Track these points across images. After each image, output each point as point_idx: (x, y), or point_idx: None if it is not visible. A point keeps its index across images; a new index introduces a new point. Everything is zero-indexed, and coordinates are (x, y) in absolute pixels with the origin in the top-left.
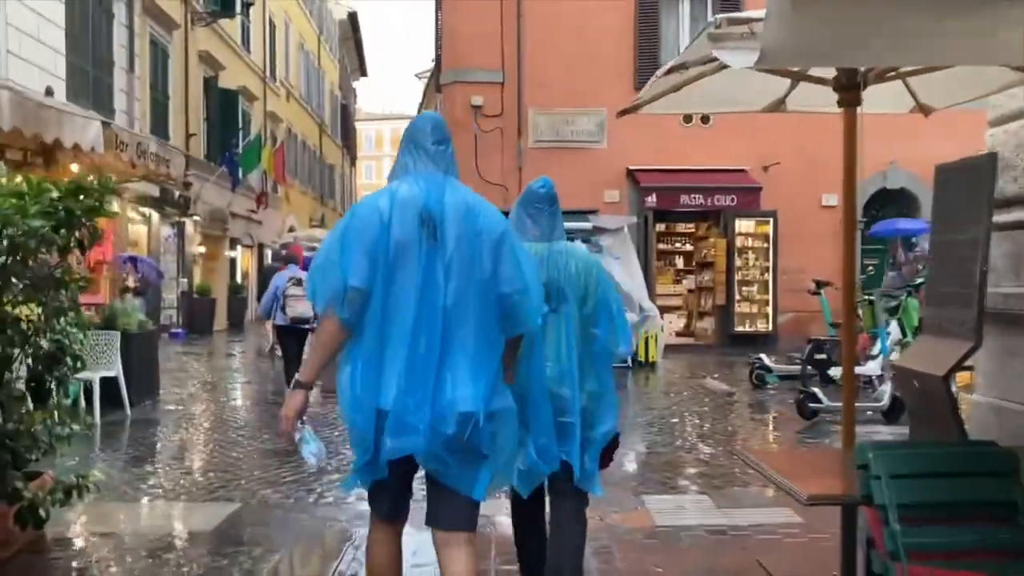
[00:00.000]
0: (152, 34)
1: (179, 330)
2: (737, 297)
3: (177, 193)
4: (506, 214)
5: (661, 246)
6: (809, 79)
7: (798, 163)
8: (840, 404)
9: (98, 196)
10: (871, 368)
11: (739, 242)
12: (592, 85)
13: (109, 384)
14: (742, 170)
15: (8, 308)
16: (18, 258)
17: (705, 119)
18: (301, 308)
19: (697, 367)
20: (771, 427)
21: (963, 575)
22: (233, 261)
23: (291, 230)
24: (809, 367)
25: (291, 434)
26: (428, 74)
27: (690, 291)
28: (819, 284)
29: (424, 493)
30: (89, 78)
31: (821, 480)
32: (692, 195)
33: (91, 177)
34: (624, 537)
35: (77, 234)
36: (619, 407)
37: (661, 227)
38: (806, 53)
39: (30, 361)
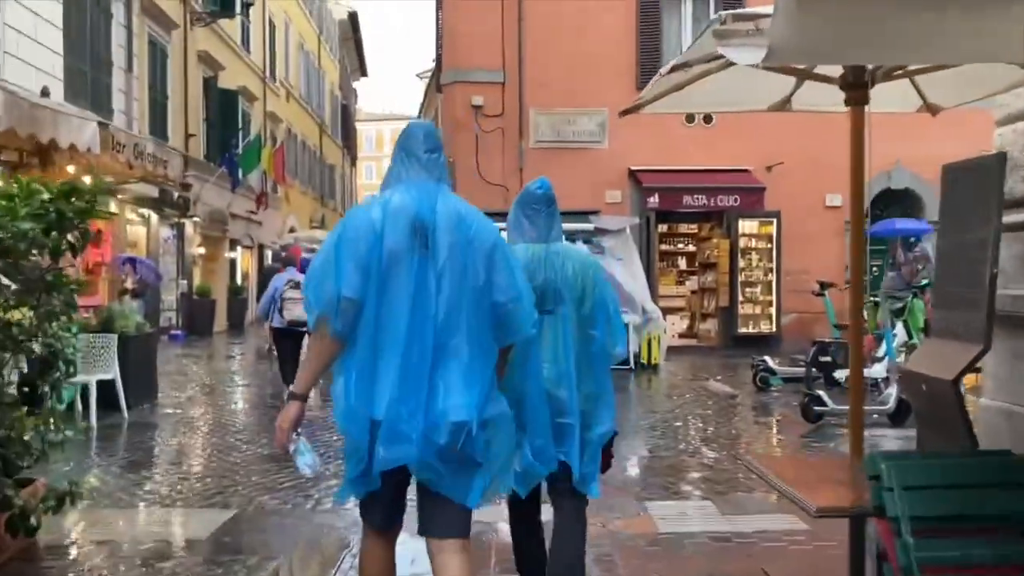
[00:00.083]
0: (151, 34)
1: (179, 332)
2: (740, 298)
3: (176, 194)
4: (507, 215)
5: (663, 247)
6: (815, 77)
7: (801, 163)
8: (845, 407)
9: (90, 198)
10: (877, 371)
11: (742, 243)
12: (593, 85)
13: (106, 387)
14: (745, 170)
15: None
16: (8, 261)
17: (708, 119)
18: (299, 311)
19: (700, 369)
20: (775, 430)
21: None
22: (233, 262)
23: (291, 231)
24: (813, 369)
25: (287, 445)
26: (429, 74)
27: (693, 292)
28: (823, 285)
29: (415, 501)
30: (87, 78)
31: (830, 490)
32: (695, 195)
33: (87, 177)
34: (627, 544)
35: (70, 237)
36: (617, 408)
37: (663, 228)
38: (814, 50)
39: (22, 366)
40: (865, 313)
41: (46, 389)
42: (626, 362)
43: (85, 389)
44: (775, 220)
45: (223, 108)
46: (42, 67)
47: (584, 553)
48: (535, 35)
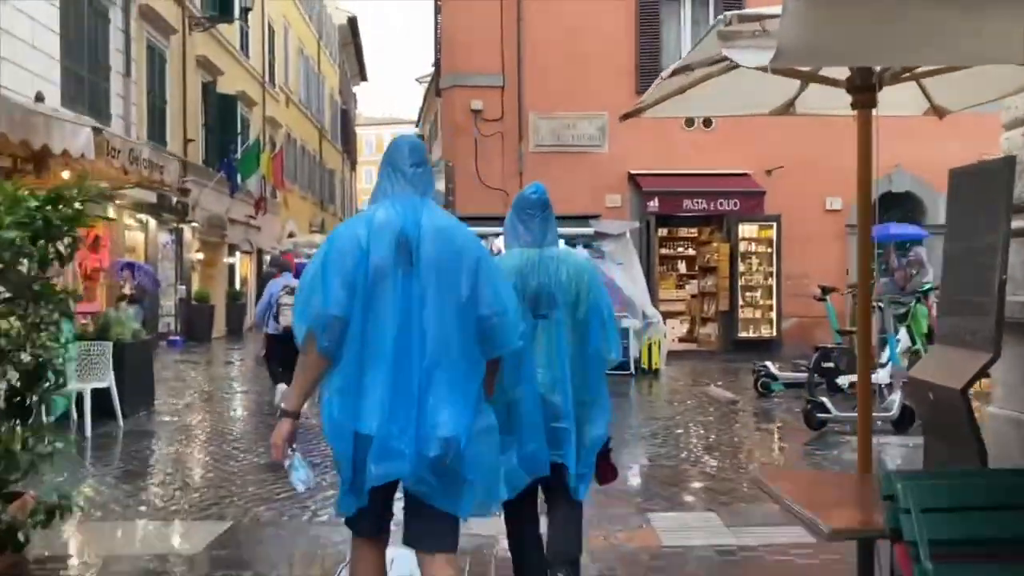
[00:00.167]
0: (149, 39)
1: (177, 338)
2: (740, 302)
3: (175, 199)
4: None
5: (663, 251)
6: (821, 80)
7: (801, 167)
8: (849, 414)
9: (78, 205)
10: (880, 376)
11: (742, 247)
12: (593, 89)
13: (102, 395)
14: (745, 174)
15: None
16: None
17: (707, 122)
18: None
19: (701, 374)
20: (778, 438)
21: None
22: (232, 267)
23: (291, 235)
24: (816, 375)
25: (283, 460)
26: (428, 78)
27: (693, 296)
28: (825, 290)
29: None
30: (85, 83)
31: (842, 510)
32: (695, 199)
33: (78, 183)
34: (629, 558)
35: (59, 245)
36: (617, 415)
37: (663, 232)
38: (824, 52)
39: (10, 377)
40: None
41: (34, 400)
42: (626, 367)
43: (80, 398)
44: (775, 224)
45: (222, 113)
46: (39, 72)
47: (580, 555)
48: (534, 39)
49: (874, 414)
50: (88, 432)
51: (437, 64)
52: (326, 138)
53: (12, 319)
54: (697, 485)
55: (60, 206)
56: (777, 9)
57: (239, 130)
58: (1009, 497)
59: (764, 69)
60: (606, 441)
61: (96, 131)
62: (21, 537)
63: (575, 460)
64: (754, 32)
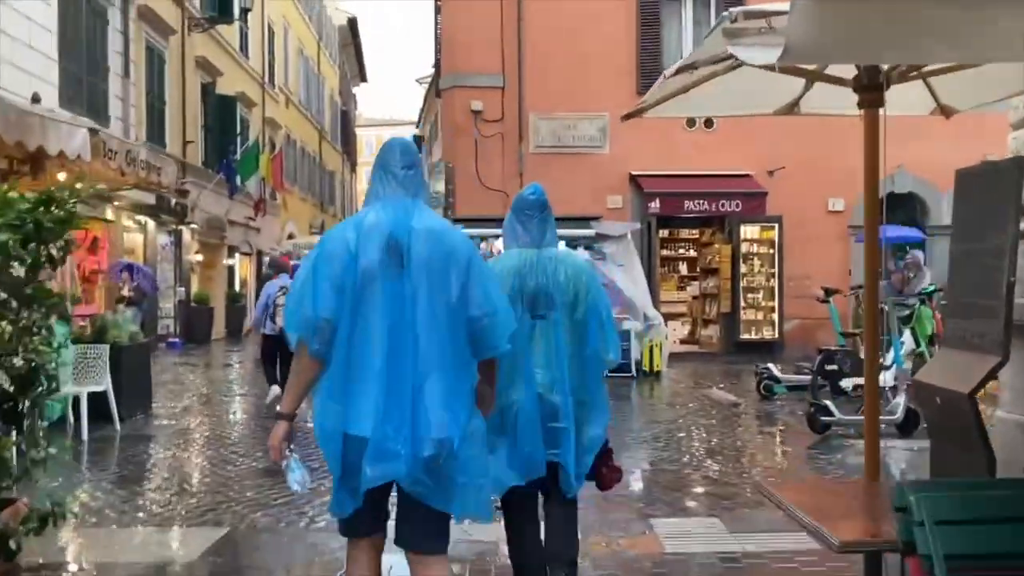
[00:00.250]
0: (148, 40)
1: (176, 340)
2: (742, 304)
3: (173, 201)
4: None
5: (665, 252)
6: (827, 79)
7: (803, 168)
8: (853, 418)
9: (70, 207)
10: (885, 379)
11: (744, 248)
12: (594, 89)
13: (99, 399)
14: (747, 175)
15: None
16: None
17: (709, 123)
18: None
19: (702, 376)
20: (782, 442)
21: None
22: (231, 269)
23: (290, 237)
24: (820, 378)
25: (281, 461)
26: (429, 79)
27: (694, 298)
28: (828, 292)
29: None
30: (83, 85)
31: (852, 521)
32: (696, 200)
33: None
34: (632, 565)
35: (53, 249)
36: (618, 418)
37: (665, 233)
38: (832, 49)
39: (1, 382)
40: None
41: (27, 406)
42: (627, 369)
43: (76, 401)
44: (777, 225)
45: (221, 114)
46: (37, 73)
47: (577, 555)
48: (535, 39)
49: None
50: (84, 436)
51: (437, 65)
52: (326, 139)
53: (3, 323)
54: (700, 490)
55: (52, 208)
56: (784, 6)
57: (238, 131)
58: None
59: (771, 68)
60: (605, 443)
61: (92, 132)
62: (13, 545)
63: (573, 460)
64: (760, 29)
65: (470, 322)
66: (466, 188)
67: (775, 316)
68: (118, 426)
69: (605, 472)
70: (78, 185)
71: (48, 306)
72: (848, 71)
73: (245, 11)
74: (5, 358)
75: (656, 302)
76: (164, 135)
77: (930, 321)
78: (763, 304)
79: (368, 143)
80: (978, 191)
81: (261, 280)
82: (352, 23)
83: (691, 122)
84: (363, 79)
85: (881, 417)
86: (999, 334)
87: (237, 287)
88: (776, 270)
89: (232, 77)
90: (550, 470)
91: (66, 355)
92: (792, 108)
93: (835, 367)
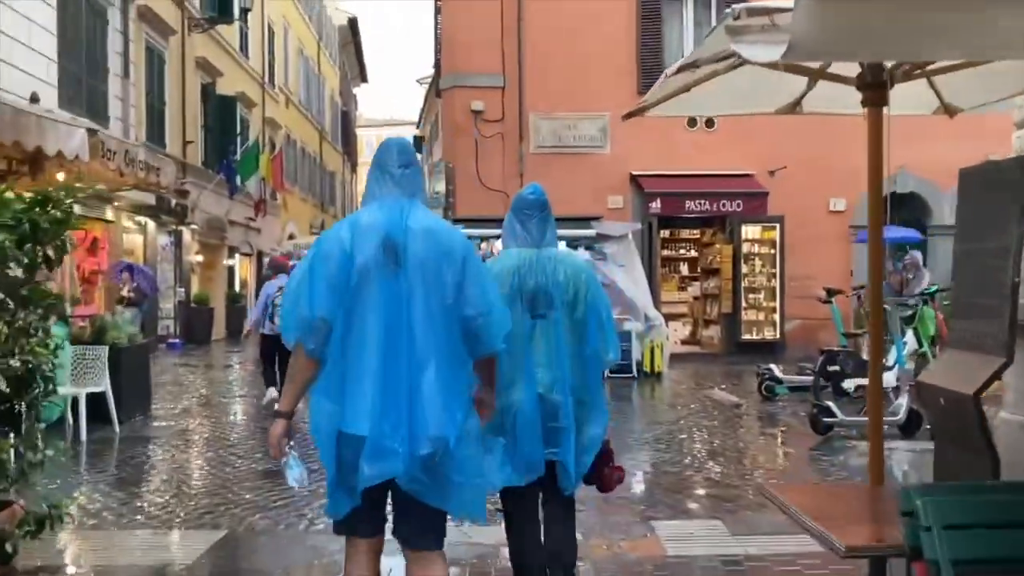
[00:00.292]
0: (148, 40)
1: (176, 340)
2: (744, 304)
3: (173, 201)
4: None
5: (665, 252)
6: (830, 78)
7: (805, 167)
8: (856, 419)
9: (66, 208)
10: (887, 379)
11: (745, 248)
12: (594, 89)
13: (98, 400)
14: (748, 175)
15: None
16: None
17: (709, 123)
18: None
19: (704, 377)
20: (784, 443)
21: None
22: (231, 269)
23: (291, 237)
24: (822, 379)
25: (279, 458)
26: (429, 80)
27: (695, 298)
28: (830, 292)
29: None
30: (83, 85)
31: (857, 526)
32: (697, 200)
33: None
34: (634, 568)
35: (49, 249)
36: (619, 419)
37: (665, 233)
38: (837, 46)
39: None
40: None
41: (22, 408)
42: (628, 370)
43: (75, 402)
44: (778, 225)
45: (221, 114)
46: (36, 74)
47: (575, 555)
48: (535, 39)
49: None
50: (83, 437)
51: (437, 65)
52: (326, 139)
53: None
54: (701, 492)
55: (49, 208)
56: (787, 3)
57: (238, 131)
58: None
59: (773, 66)
60: (605, 443)
61: (91, 132)
62: (8, 548)
63: (573, 459)
64: (763, 26)
65: (465, 321)
66: (466, 188)
67: (776, 317)
68: (117, 427)
69: (607, 472)
70: (78, 185)
71: (45, 307)
72: (851, 69)
73: (245, 11)
74: (1, 360)
75: (657, 302)
76: (164, 135)
77: (932, 321)
78: (764, 304)
79: (368, 143)
80: (982, 191)
81: (261, 281)
82: (352, 23)
83: (692, 122)
84: (363, 79)
85: (884, 418)
86: (1004, 335)
87: (237, 288)
88: (777, 270)
89: (232, 77)
90: (548, 469)
91: (64, 356)
92: (794, 107)
93: (837, 368)
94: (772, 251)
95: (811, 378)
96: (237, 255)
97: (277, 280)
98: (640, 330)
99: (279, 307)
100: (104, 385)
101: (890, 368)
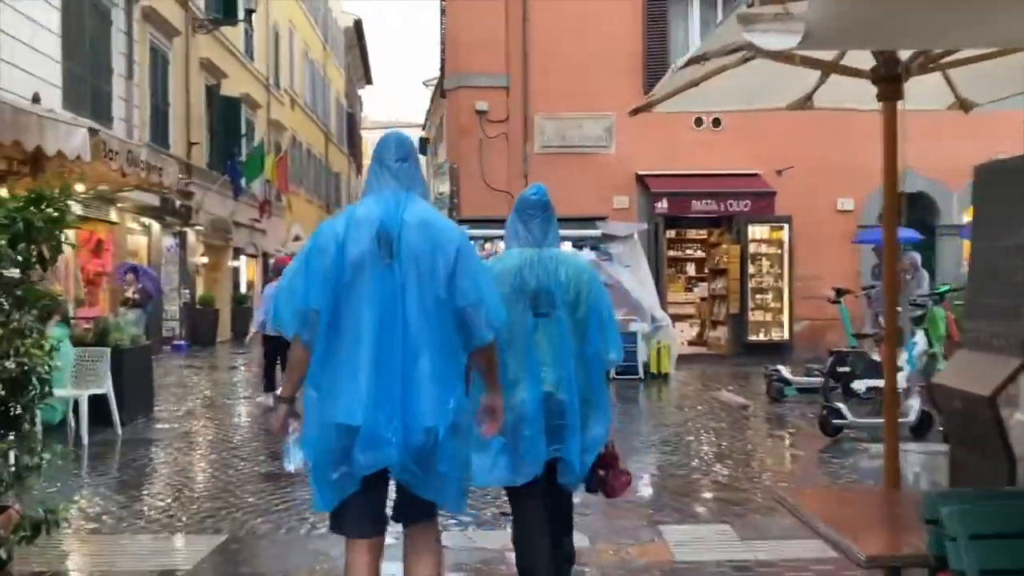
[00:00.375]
0: (152, 41)
1: (181, 342)
2: (751, 305)
3: (178, 202)
4: None
5: (672, 253)
6: (843, 71)
7: (812, 167)
8: (866, 420)
9: (61, 206)
10: (898, 381)
11: (752, 248)
12: (600, 89)
13: (99, 402)
14: (755, 174)
15: None
16: None
17: (716, 122)
18: None
19: (711, 378)
20: (793, 445)
21: None
22: (236, 271)
23: (296, 239)
24: (832, 380)
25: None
26: (435, 82)
27: (702, 299)
28: (839, 292)
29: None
30: (87, 86)
31: (875, 533)
32: (704, 200)
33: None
34: (642, 574)
35: (45, 248)
36: (625, 422)
37: (672, 233)
38: (854, 33)
39: None
40: (882, 321)
41: (17, 410)
42: (635, 371)
43: (77, 405)
44: (786, 225)
45: (226, 116)
46: (39, 74)
47: (573, 551)
48: (540, 39)
49: None
50: (85, 440)
51: (442, 65)
52: (332, 141)
53: None
54: (710, 495)
55: (43, 207)
56: None
57: (243, 133)
58: None
59: (785, 58)
60: (611, 445)
61: (92, 132)
62: (3, 554)
63: (578, 456)
64: (777, 14)
65: (456, 312)
66: (471, 189)
67: (784, 317)
68: (119, 430)
69: (612, 479)
70: (79, 186)
71: (40, 308)
72: (866, 62)
73: (249, 12)
74: None
75: (663, 303)
76: (168, 137)
77: (943, 321)
78: (772, 305)
79: (373, 145)
80: (999, 188)
81: (266, 282)
82: (358, 25)
83: (698, 121)
84: (369, 81)
85: None
86: (1021, 335)
87: (243, 289)
88: (785, 271)
89: (237, 79)
90: (548, 469)
91: (65, 358)
92: (806, 102)
93: (847, 369)
94: (780, 251)
95: (820, 379)
96: (242, 256)
97: (279, 281)
98: (646, 331)
99: None
100: (106, 387)
101: (900, 369)
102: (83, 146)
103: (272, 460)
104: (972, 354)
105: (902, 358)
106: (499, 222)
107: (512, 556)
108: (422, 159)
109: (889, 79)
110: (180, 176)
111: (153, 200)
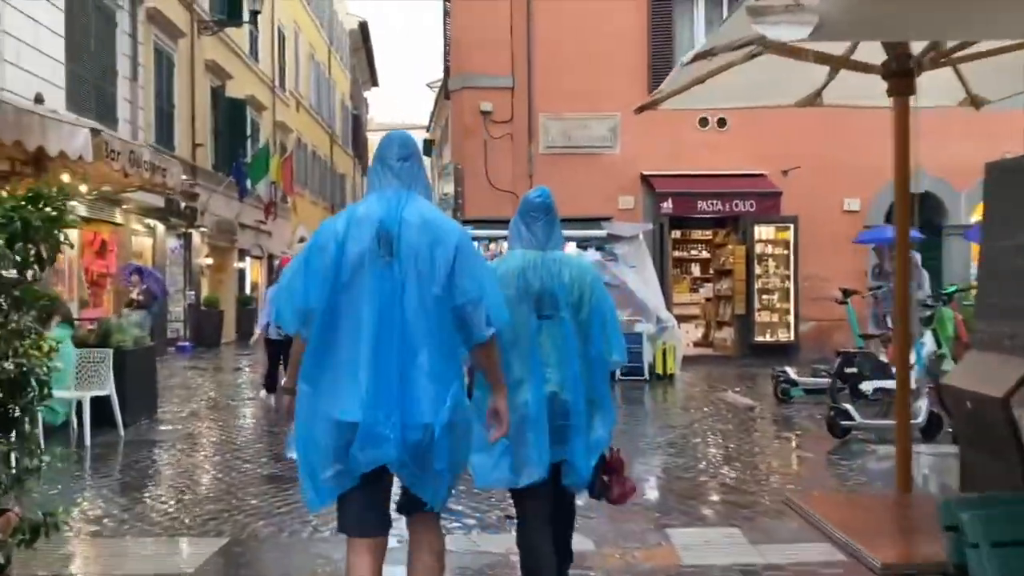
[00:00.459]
0: (157, 43)
1: (186, 343)
2: (757, 306)
3: (183, 204)
4: None
5: (677, 253)
6: (854, 66)
7: (818, 167)
8: (874, 422)
9: (59, 205)
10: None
11: (758, 249)
12: (604, 89)
13: (102, 403)
14: (761, 174)
15: None
16: None
17: (722, 122)
18: None
19: (717, 379)
20: (801, 447)
21: None
22: (242, 272)
23: (301, 240)
24: (839, 381)
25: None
26: (439, 84)
27: (708, 300)
28: (846, 293)
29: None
30: (91, 87)
31: (890, 539)
32: (709, 200)
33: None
34: None
35: (43, 248)
36: (631, 423)
37: (677, 234)
38: (867, 24)
39: None
40: (889, 321)
41: (16, 412)
42: (640, 372)
43: (79, 406)
44: (792, 225)
45: (231, 118)
46: (43, 76)
47: (571, 552)
48: (544, 39)
49: None
50: (87, 441)
51: (446, 66)
52: (337, 143)
53: None
54: (717, 498)
55: (41, 206)
56: None
57: (248, 135)
58: None
59: (794, 53)
60: (616, 452)
61: (95, 132)
62: (2, 558)
63: (583, 458)
64: (788, 6)
65: (456, 310)
66: (475, 189)
67: (790, 318)
68: (122, 431)
69: (616, 485)
70: (82, 187)
71: (39, 309)
72: (876, 57)
73: (254, 14)
74: None
75: (669, 304)
76: (173, 138)
77: (951, 322)
78: (778, 306)
79: None
80: (1011, 186)
81: (270, 284)
82: (363, 27)
83: (703, 121)
84: (374, 83)
85: None
86: None
87: (248, 291)
88: (791, 271)
89: (242, 80)
90: (552, 471)
91: (67, 359)
92: (815, 99)
93: (855, 370)
94: (786, 252)
95: (826, 380)
96: (247, 258)
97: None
98: (652, 332)
99: None
100: (109, 388)
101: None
102: (85, 146)
103: (275, 462)
104: (983, 355)
105: (910, 359)
106: (504, 223)
107: (516, 559)
108: (427, 160)
109: (901, 74)
110: (184, 177)
111: (158, 201)
